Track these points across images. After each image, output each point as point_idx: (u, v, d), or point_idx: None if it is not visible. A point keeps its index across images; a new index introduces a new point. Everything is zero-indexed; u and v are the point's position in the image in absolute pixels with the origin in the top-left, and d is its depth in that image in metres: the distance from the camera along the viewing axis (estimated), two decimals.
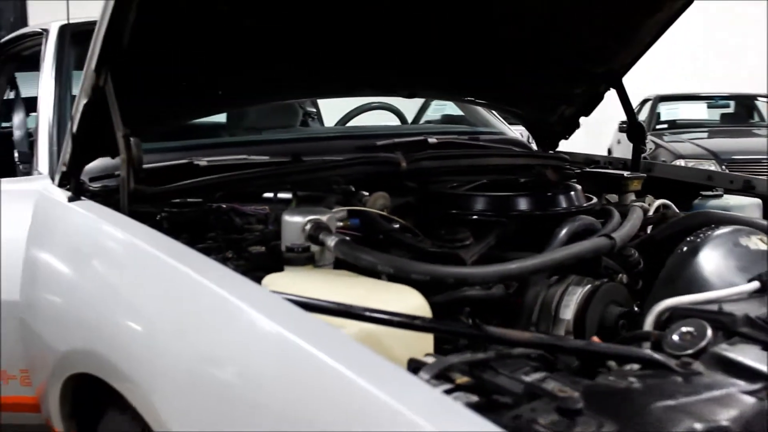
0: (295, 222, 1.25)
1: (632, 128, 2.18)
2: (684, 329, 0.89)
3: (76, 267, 1.30)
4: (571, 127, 2.36)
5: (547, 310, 1.20)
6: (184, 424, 0.87)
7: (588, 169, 2.04)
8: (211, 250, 1.30)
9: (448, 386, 0.80)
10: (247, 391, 0.80)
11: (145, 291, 1.07)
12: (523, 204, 1.47)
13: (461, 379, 0.81)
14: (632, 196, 1.87)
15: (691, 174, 2.17)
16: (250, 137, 2.26)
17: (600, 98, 2.25)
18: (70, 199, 1.40)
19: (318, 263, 1.24)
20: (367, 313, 0.89)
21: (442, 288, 1.20)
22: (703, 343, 0.86)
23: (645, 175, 1.93)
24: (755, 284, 1.04)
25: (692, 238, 1.22)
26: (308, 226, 1.23)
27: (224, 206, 1.45)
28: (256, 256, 1.24)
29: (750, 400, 0.74)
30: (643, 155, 2.20)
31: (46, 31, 2.02)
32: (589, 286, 1.21)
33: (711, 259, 1.15)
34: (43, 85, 1.87)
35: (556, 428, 0.66)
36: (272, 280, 1.10)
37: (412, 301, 1.01)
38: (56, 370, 1.29)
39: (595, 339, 1.01)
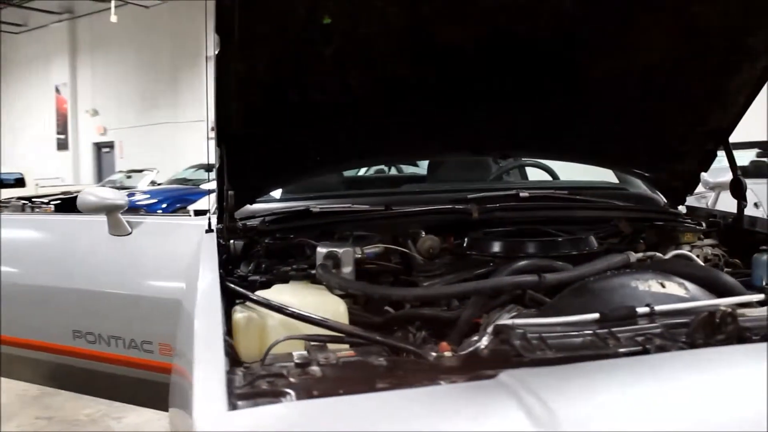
0: (320, 252, 1.75)
1: (734, 185, 2.25)
2: (473, 337, 1.20)
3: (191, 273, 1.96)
4: (691, 183, 2.46)
5: (484, 329, 1.52)
6: None
7: (659, 223, 2.17)
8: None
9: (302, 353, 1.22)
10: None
11: (189, 292, 1.67)
12: (503, 249, 1.78)
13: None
14: (687, 247, 2.01)
15: None
16: (370, 191, 2.76)
17: (713, 155, 2.34)
18: (207, 231, 2.08)
19: None
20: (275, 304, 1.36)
21: (402, 306, 1.60)
22: (472, 348, 1.16)
23: (702, 228, 2.04)
24: (595, 316, 1.25)
25: (594, 277, 1.45)
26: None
27: (301, 240, 2.00)
28: (284, 273, 1.75)
29: (438, 385, 1.02)
30: None
31: None
32: (515, 312, 1.50)
33: (585, 293, 1.38)
34: None
35: (292, 374, 1.07)
36: (274, 287, 1.61)
37: (332, 307, 1.45)
38: None
39: (444, 344, 1.32)
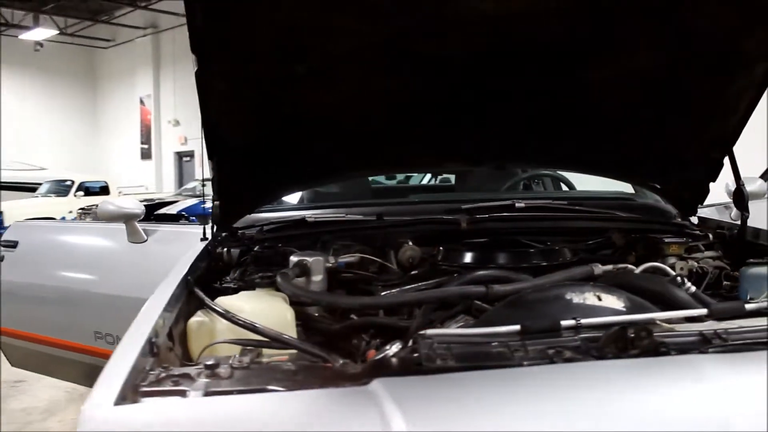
0: (292, 261, 1.82)
1: (737, 195, 2.19)
2: (386, 346, 1.24)
3: None
4: (700, 193, 2.40)
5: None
6: None
7: (651, 235, 2.14)
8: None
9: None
10: None
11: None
12: (470, 259, 1.80)
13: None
14: (671, 259, 1.98)
15: None
16: (372, 200, 2.79)
17: (720, 164, 2.28)
18: (201, 239, 2.19)
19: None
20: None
21: (361, 314, 1.66)
22: (381, 356, 1.20)
23: (687, 241, 2.00)
24: (516, 327, 1.27)
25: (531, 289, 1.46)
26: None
27: (286, 249, 2.07)
28: (252, 281, 1.83)
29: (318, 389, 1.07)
30: None
31: None
32: (462, 323, 1.53)
33: (518, 305, 1.39)
34: None
35: (202, 374, 1.14)
36: (240, 293, 1.69)
37: (280, 313, 1.52)
38: None
39: (372, 352, 1.36)
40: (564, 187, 3.08)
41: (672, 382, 1.05)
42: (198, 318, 1.52)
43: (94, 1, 19.91)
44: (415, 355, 1.18)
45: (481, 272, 1.68)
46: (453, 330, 1.31)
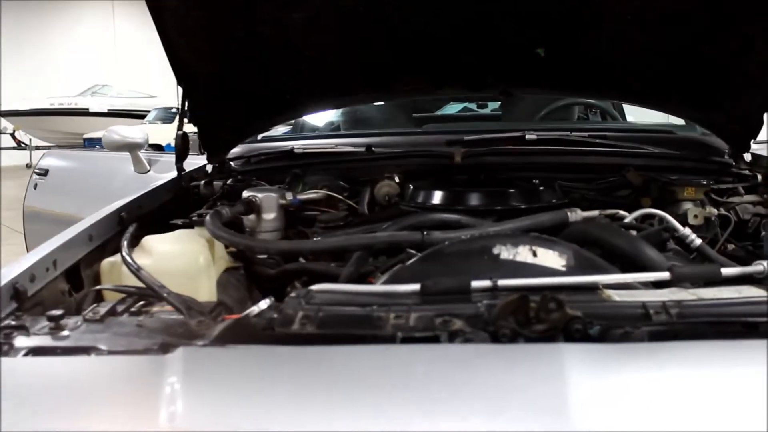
0: (243, 196, 1.69)
1: None
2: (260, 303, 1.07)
3: None
4: (752, 126, 2.04)
5: None
6: None
7: (670, 176, 1.83)
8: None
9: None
10: None
11: None
12: (431, 198, 1.59)
13: None
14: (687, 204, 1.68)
15: None
16: (373, 131, 2.54)
17: None
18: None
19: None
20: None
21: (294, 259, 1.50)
22: (242, 315, 1.04)
23: (703, 182, 1.68)
24: (416, 287, 1.07)
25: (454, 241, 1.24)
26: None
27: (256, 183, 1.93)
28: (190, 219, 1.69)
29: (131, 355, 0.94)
30: None
31: None
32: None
33: (436, 259, 1.18)
34: None
35: (41, 329, 1.03)
36: (168, 234, 1.56)
37: (192, 256, 1.39)
38: None
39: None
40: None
41: (510, 378, 0.80)
42: (111, 259, 1.42)
43: None
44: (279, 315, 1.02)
45: (430, 216, 1.47)
46: (343, 286, 1.12)
